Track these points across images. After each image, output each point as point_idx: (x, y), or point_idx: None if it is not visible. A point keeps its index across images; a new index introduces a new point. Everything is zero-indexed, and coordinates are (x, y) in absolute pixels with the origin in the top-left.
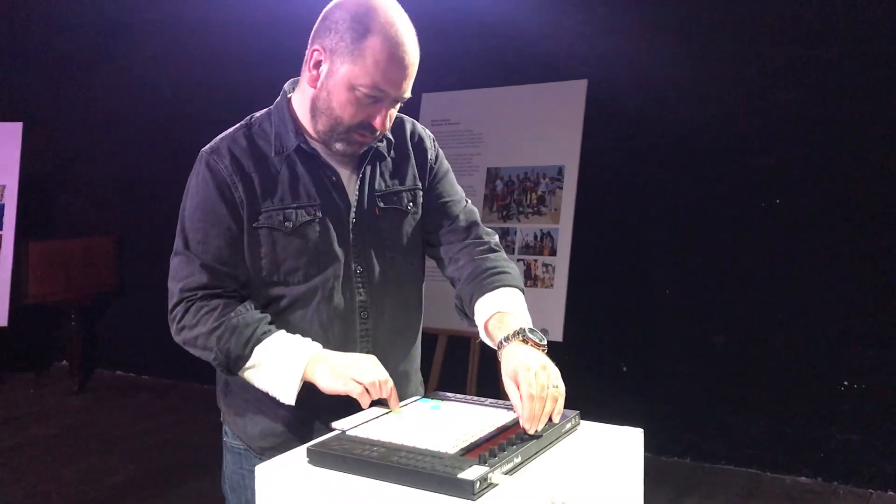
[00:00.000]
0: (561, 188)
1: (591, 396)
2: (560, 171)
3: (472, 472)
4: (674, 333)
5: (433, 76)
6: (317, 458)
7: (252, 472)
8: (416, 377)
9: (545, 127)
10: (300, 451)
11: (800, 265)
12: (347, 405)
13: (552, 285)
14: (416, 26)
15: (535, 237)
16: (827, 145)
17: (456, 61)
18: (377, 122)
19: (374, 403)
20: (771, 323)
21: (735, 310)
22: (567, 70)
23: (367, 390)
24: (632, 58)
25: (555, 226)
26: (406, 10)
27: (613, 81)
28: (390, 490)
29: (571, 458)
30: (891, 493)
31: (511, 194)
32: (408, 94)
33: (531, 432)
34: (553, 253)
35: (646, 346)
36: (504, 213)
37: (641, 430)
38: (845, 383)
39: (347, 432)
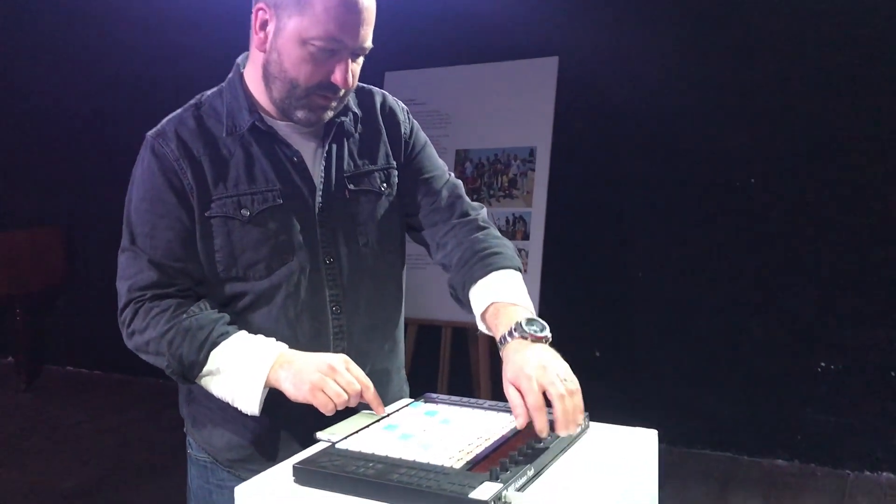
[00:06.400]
0: (533, 170)
1: None
2: (532, 152)
3: (485, 491)
4: (648, 318)
5: (397, 54)
6: (304, 476)
7: (220, 486)
8: (399, 376)
9: (515, 106)
10: (284, 469)
11: (776, 246)
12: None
13: (526, 270)
14: (378, 1)
15: (508, 221)
16: (803, 124)
17: (420, 38)
18: (338, 79)
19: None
20: (747, 305)
21: (711, 293)
22: (537, 47)
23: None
24: (604, 34)
25: (527, 209)
26: None
27: (585, 58)
28: None
29: (585, 468)
30: (867, 473)
31: (481, 177)
32: (368, 44)
33: (563, 434)
34: (526, 237)
35: (620, 330)
36: (474, 196)
37: (655, 432)
38: (822, 365)
39: (336, 445)
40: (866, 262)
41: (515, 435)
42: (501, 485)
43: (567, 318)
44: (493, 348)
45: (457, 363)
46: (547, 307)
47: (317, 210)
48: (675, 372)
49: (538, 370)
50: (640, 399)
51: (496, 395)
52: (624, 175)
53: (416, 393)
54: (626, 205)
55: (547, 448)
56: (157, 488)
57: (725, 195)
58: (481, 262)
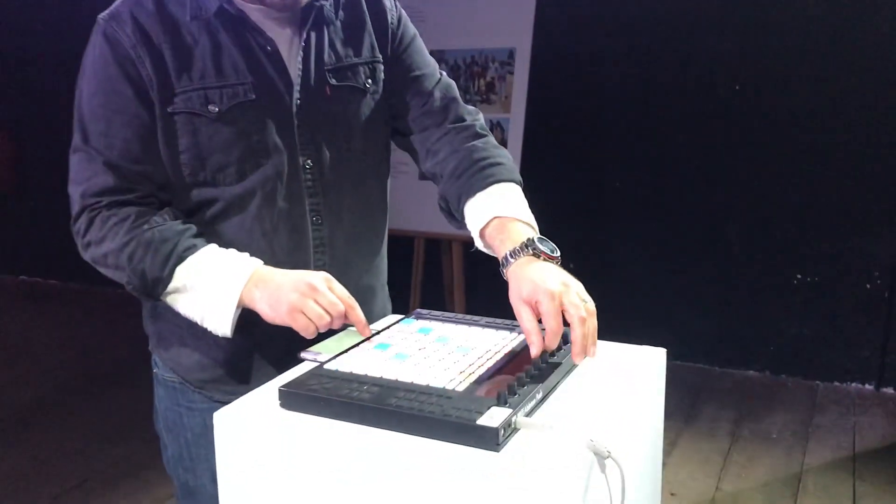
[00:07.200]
0: (512, 73)
1: None
2: (511, 54)
3: (494, 417)
4: (625, 229)
5: None
6: (292, 400)
7: (190, 408)
8: (383, 293)
9: (494, 4)
10: (268, 392)
11: (755, 156)
12: None
13: None
14: None
15: None
16: (787, 32)
17: None
18: None
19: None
20: (725, 216)
21: (688, 203)
22: None
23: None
24: None
25: (505, 115)
26: None
27: None
28: (388, 439)
29: (594, 389)
30: (836, 383)
31: (457, 80)
32: None
33: (577, 361)
34: (503, 145)
35: (596, 241)
36: None
37: (664, 351)
38: (799, 276)
39: (325, 366)
40: (846, 174)
41: (518, 353)
42: (510, 410)
43: (542, 228)
44: (468, 261)
45: (428, 276)
46: None
47: (294, 107)
48: (650, 283)
49: (561, 287)
50: (614, 310)
51: (471, 310)
52: (607, 80)
53: (394, 310)
54: (608, 111)
55: (554, 368)
56: (120, 401)
57: (709, 103)
58: (481, 173)
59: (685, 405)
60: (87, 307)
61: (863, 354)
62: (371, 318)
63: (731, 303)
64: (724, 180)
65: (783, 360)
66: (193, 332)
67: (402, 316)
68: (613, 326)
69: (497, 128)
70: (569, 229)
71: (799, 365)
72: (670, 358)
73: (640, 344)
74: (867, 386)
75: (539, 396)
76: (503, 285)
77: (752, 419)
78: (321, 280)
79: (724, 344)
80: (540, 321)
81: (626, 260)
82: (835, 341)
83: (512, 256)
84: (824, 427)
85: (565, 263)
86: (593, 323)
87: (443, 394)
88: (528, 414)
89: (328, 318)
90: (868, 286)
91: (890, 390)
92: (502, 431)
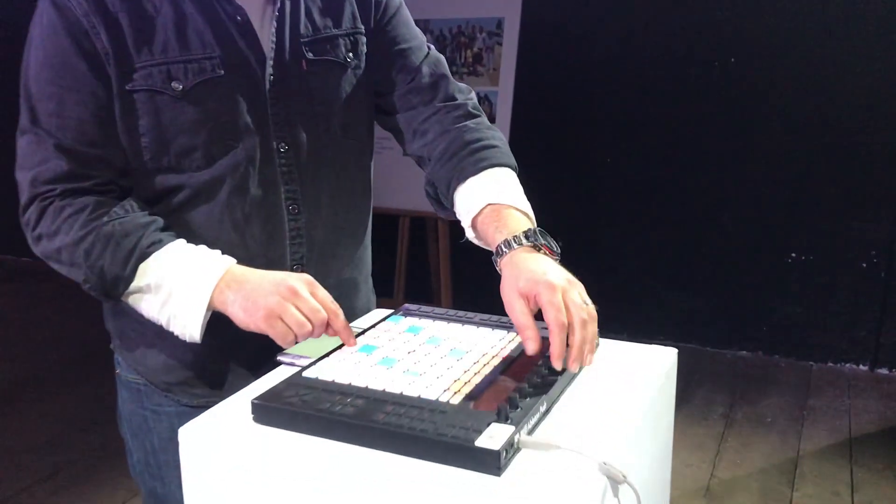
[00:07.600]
0: (500, 44)
1: None
2: (499, 24)
3: (494, 437)
4: (616, 206)
5: None
6: (266, 414)
7: (157, 411)
8: (367, 286)
9: None
10: (240, 403)
11: (750, 134)
12: None
13: None
14: None
15: None
16: (783, 8)
17: None
18: None
19: None
20: (718, 195)
21: (681, 181)
22: None
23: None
24: None
25: (493, 88)
26: None
27: None
28: (374, 459)
29: (600, 399)
30: (830, 364)
31: (443, 51)
32: None
33: (573, 369)
34: (492, 119)
35: (585, 219)
36: None
37: (675, 350)
38: (793, 255)
39: (304, 373)
40: (843, 152)
41: (517, 358)
42: (513, 427)
43: (531, 205)
44: (455, 241)
45: (413, 258)
46: None
47: (267, 84)
48: (642, 262)
49: (565, 282)
50: (604, 290)
51: (459, 295)
52: (598, 51)
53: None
54: (600, 85)
55: (558, 375)
56: (95, 387)
57: (703, 79)
58: (473, 157)
59: (677, 388)
60: (59, 286)
61: (858, 334)
62: (354, 315)
63: (723, 282)
64: (718, 157)
65: (776, 340)
66: (159, 331)
67: (389, 312)
68: (601, 306)
69: (485, 101)
70: (558, 206)
71: (792, 345)
72: (661, 339)
73: (634, 327)
74: (861, 366)
75: (543, 409)
76: (494, 269)
77: (746, 402)
78: (302, 283)
79: (716, 324)
80: (537, 318)
81: (616, 238)
82: (829, 321)
83: (508, 246)
84: (819, 409)
85: (555, 241)
86: (594, 328)
87: (436, 408)
88: (532, 430)
89: (309, 327)
90: (864, 265)
91: (884, 371)
92: (504, 453)
